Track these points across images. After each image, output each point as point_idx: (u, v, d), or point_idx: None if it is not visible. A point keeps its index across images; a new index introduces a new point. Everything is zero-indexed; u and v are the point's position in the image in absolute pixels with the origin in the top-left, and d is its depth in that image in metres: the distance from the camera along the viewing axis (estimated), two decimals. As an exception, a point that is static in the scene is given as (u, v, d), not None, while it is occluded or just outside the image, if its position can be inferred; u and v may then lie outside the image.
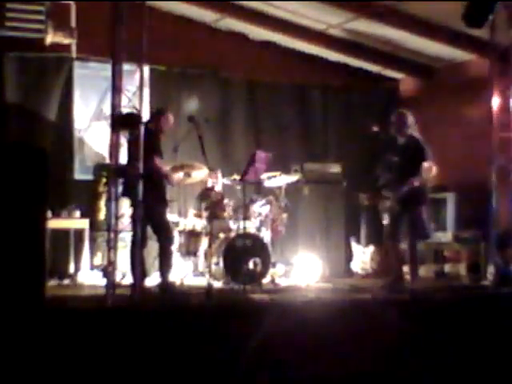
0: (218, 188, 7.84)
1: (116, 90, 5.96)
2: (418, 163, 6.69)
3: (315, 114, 10.00)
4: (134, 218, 6.06)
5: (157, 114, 6.80)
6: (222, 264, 7.14)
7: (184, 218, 7.69)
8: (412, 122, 6.93)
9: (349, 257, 9.15)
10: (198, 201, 7.76)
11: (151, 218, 6.28)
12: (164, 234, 6.46)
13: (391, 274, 7.01)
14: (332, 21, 8.82)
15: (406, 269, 7.00)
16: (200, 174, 7.34)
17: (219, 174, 7.88)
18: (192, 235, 7.56)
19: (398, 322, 5.42)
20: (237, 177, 7.73)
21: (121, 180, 6.26)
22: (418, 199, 6.71)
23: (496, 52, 7.33)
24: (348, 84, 10.06)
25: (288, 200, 8.05)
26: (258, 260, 7.07)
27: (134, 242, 6.08)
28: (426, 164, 6.73)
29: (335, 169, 9.10)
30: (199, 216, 7.60)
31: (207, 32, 9.31)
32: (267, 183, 7.95)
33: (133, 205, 6.12)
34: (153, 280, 6.77)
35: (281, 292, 6.78)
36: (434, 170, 6.79)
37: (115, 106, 5.98)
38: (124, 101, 6.07)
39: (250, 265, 7.02)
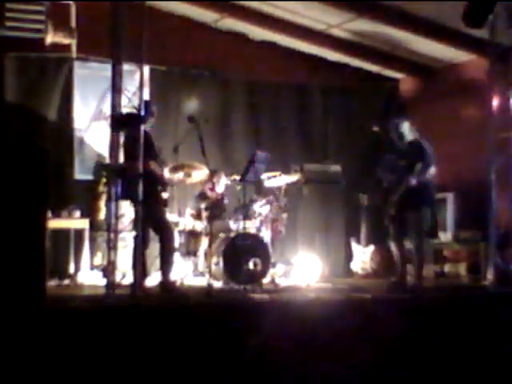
0: (221, 189, 7.85)
1: (116, 89, 5.95)
2: (416, 163, 6.67)
3: (315, 114, 9.99)
4: (134, 217, 6.06)
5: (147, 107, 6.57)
6: (221, 264, 7.13)
7: (183, 218, 7.69)
8: (408, 127, 6.91)
9: (349, 257, 9.16)
10: (198, 201, 7.76)
11: (150, 217, 6.27)
12: (164, 233, 6.44)
13: (394, 274, 6.99)
14: (332, 21, 8.83)
15: (409, 268, 6.99)
16: (200, 174, 7.33)
17: (223, 176, 7.88)
18: (192, 235, 7.56)
19: (398, 321, 5.43)
20: (237, 177, 7.73)
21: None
22: (420, 199, 6.69)
23: (496, 52, 7.33)
24: (348, 84, 10.06)
25: (288, 200, 8.04)
26: (257, 260, 7.06)
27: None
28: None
29: (335, 169, 9.08)
30: (196, 216, 7.60)
31: (207, 32, 9.31)
32: (267, 183, 7.94)
33: (132, 205, 6.12)
34: (153, 279, 6.77)
35: (281, 292, 6.77)
36: (432, 170, 6.77)
37: (115, 106, 5.97)
38: (124, 101, 6.07)
39: (250, 265, 7.01)
